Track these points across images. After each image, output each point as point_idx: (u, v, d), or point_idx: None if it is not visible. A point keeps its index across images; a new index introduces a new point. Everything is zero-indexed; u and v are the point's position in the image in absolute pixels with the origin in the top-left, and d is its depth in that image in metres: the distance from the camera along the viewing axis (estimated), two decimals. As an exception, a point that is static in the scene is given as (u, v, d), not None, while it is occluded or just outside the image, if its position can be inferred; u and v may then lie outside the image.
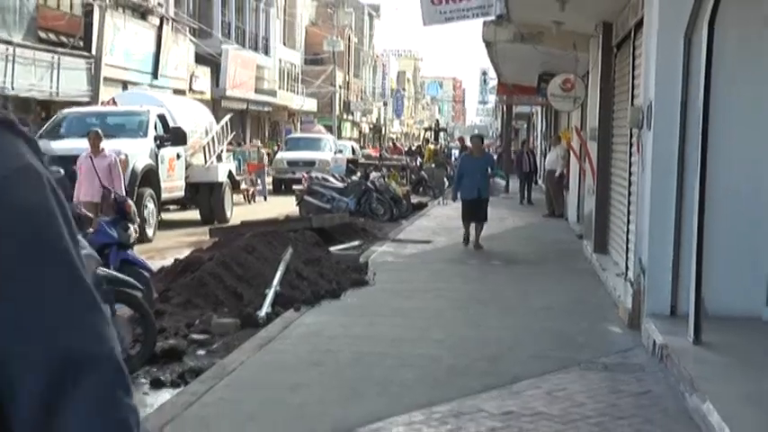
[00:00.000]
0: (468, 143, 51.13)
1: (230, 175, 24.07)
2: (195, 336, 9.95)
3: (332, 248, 15.49)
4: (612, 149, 15.17)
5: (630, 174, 12.21)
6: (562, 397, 7.22)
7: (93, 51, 31.36)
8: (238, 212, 22.98)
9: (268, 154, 39.24)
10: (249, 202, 29.27)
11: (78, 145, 16.58)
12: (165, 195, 20.09)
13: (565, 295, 12.11)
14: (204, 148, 23.57)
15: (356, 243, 17.12)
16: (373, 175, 25.93)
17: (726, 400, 6.42)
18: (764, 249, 9.07)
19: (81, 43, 31.37)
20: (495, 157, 29.17)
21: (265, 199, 30.93)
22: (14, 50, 26.45)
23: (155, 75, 35.65)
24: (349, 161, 37.01)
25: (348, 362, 8.17)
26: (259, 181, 31.61)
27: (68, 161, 15.38)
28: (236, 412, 6.67)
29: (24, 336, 1.39)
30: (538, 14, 16.29)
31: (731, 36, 8.61)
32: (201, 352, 9.46)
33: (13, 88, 25.37)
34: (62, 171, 14.21)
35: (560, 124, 28.12)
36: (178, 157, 20.98)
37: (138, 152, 18.45)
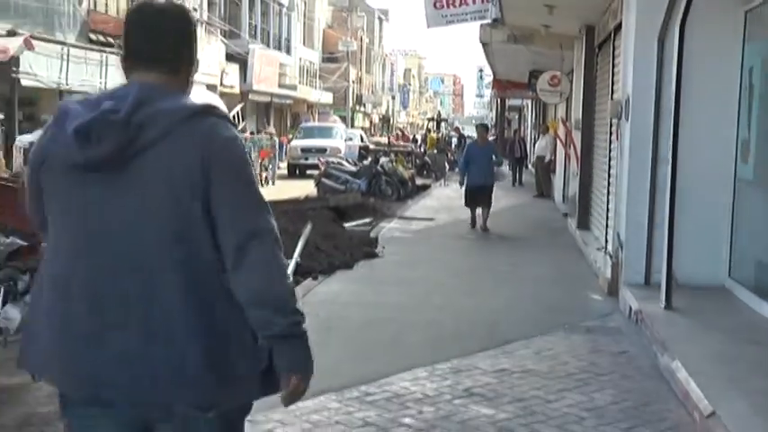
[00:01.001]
0: (464, 132, 51.46)
1: None
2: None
3: (346, 225, 15.50)
4: (594, 138, 15.16)
5: (610, 159, 12.17)
6: (549, 356, 7.24)
7: (137, 50, 31.32)
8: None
9: (288, 141, 39.21)
10: (262, 185, 28.99)
11: None
12: None
13: (551, 267, 12.11)
14: None
15: (368, 220, 17.09)
16: (382, 159, 25.87)
17: (692, 359, 6.44)
18: (726, 227, 9.09)
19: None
20: None
21: (273, 183, 30.19)
22: (68, 50, 26.55)
23: (190, 71, 35.68)
24: (361, 148, 36.89)
25: (359, 325, 8.17)
26: (270, 166, 31.02)
27: None
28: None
29: (238, 217, 2.62)
30: (529, 18, 16.25)
31: (699, 38, 8.57)
32: None
33: (67, 83, 25.38)
34: None
35: (548, 115, 28.07)
36: None
37: None
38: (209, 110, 2.73)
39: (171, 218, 2.58)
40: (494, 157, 16.94)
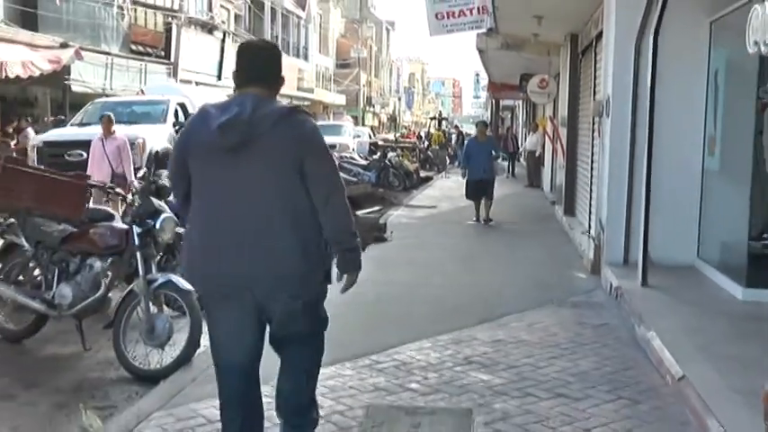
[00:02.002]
0: (462, 129, 51.39)
1: None
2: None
3: (358, 212, 15.46)
4: (579, 134, 15.13)
5: (593, 153, 12.17)
6: (539, 328, 7.23)
7: (172, 59, 31.45)
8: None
9: None
10: None
11: (95, 131, 14.36)
12: None
13: (541, 249, 12.09)
14: None
15: (377, 208, 17.12)
16: (390, 154, 25.84)
17: (665, 330, 6.44)
18: (695, 212, 9.08)
19: (163, 53, 31.50)
20: None
21: None
22: (112, 59, 26.80)
23: (219, 77, 35.62)
24: (371, 144, 36.83)
25: (371, 301, 8.16)
26: None
27: (83, 145, 13.95)
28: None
29: (323, 179, 3.72)
30: (520, 28, 16.19)
31: (671, 45, 8.55)
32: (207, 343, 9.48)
33: (111, 88, 25.49)
34: (84, 154, 13.59)
35: (537, 114, 27.95)
36: None
37: (156, 136, 16.22)
38: (296, 110, 3.85)
39: (278, 180, 3.68)
40: (493, 152, 16.13)
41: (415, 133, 56.90)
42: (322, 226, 3.76)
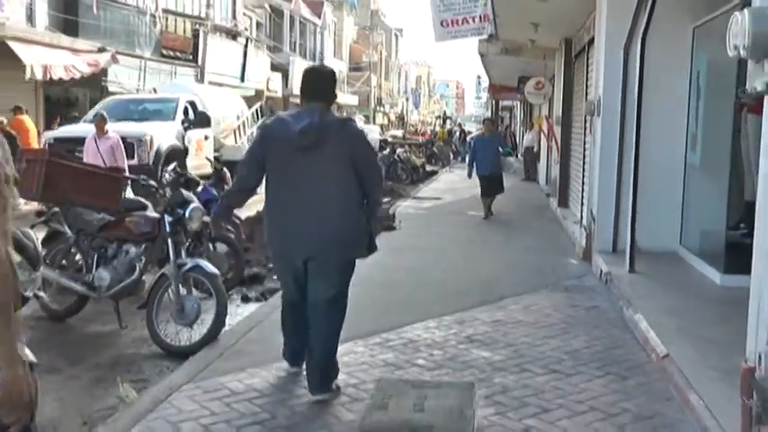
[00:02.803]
0: (465, 127, 51.29)
1: None
2: (272, 265, 9.96)
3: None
4: (572, 131, 15.09)
5: (584, 149, 12.12)
6: (535, 310, 7.21)
7: (199, 62, 31.44)
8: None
9: None
10: None
11: (86, 128, 13.63)
12: (192, 172, 15.75)
13: (537, 238, 12.07)
14: (234, 130, 20.43)
15: (387, 199, 17.06)
16: (398, 150, 25.80)
17: (650, 312, 6.42)
18: (678, 204, 9.05)
19: (191, 57, 31.47)
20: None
21: None
22: (145, 63, 26.84)
23: (242, 79, 35.59)
24: (381, 140, 36.78)
25: (380, 284, 8.17)
26: None
27: (76, 142, 12.74)
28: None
29: (369, 168, 4.82)
30: (518, 34, 16.14)
31: (657, 49, 8.51)
32: (275, 277, 9.48)
33: (144, 89, 25.52)
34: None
35: (534, 114, 27.86)
36: (206, 138, 17.32)
37: (164, 133, 15.29)
38: (349, 119, 5.04)
39: (338, 172, 4.68)
40: (500, 148, 15.05)
41: (428, 133, 56.83)
42: (365, 195, 4.82)
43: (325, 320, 4.84)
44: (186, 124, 16.41)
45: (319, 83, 4.90)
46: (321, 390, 4.80)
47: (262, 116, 23.69)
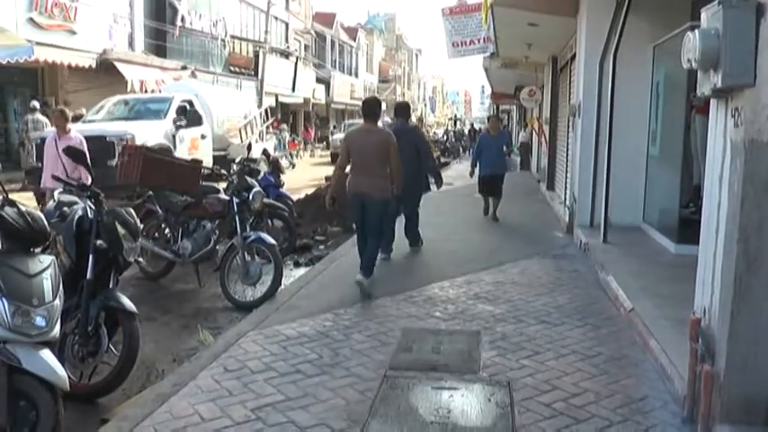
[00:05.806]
0: (476, 126, 50.92)
1: (265, 151, 17.31)
2: (318, 237, 10.02)
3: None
4: (558, 129, 14.91)
5: (567, 143, 11.96)
6: (528, 273, 7.18)
7: (259, 77, 31.47)
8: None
9: (311, 136, 38.00)
10: (292, 167, 24.22)
11: (103, 126, 11.70)
12: None
13: (529, 215, 11.97)
14: (240, 130, 17.06)
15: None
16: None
17: (620, 275, 6.35)
18: (641, 187, 8.91)
19: (252, 72, 31.53)
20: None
21: (294, 167, 24.35)
22: (217, 77, 27.14)
23: (293, 89, 35.68)
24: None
25: (403, 254, 8.16)
26: (293, 154, 27.40)
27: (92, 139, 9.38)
28: (339, 281, 6.72)
29: (425, 152, 8.06)
30: (515, 52, 15.96)
31: (625, 62, 8.37)
32: (322, 247, 9.53)
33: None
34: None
35: (527, 115, 27.58)
36: (203, 137, 14.12)
37: (150, 132, 12.15)
38: (416, 126, 7.63)
39: (412, 155, 7.58)
40: (505, 146, 11.48)
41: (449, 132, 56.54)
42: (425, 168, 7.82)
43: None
44: (178, 123, 13.21)
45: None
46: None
47: (271, 116, 21.38)
